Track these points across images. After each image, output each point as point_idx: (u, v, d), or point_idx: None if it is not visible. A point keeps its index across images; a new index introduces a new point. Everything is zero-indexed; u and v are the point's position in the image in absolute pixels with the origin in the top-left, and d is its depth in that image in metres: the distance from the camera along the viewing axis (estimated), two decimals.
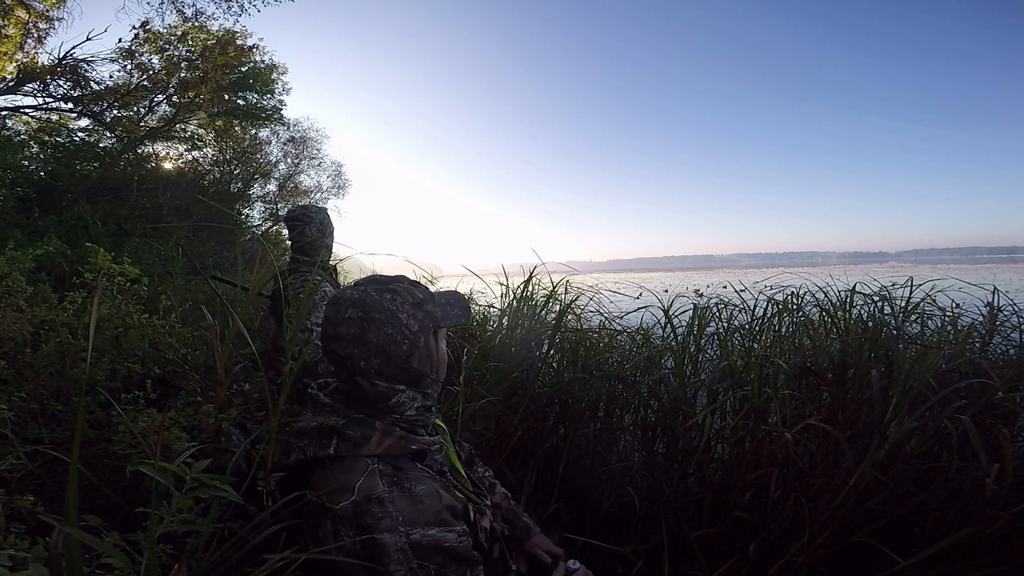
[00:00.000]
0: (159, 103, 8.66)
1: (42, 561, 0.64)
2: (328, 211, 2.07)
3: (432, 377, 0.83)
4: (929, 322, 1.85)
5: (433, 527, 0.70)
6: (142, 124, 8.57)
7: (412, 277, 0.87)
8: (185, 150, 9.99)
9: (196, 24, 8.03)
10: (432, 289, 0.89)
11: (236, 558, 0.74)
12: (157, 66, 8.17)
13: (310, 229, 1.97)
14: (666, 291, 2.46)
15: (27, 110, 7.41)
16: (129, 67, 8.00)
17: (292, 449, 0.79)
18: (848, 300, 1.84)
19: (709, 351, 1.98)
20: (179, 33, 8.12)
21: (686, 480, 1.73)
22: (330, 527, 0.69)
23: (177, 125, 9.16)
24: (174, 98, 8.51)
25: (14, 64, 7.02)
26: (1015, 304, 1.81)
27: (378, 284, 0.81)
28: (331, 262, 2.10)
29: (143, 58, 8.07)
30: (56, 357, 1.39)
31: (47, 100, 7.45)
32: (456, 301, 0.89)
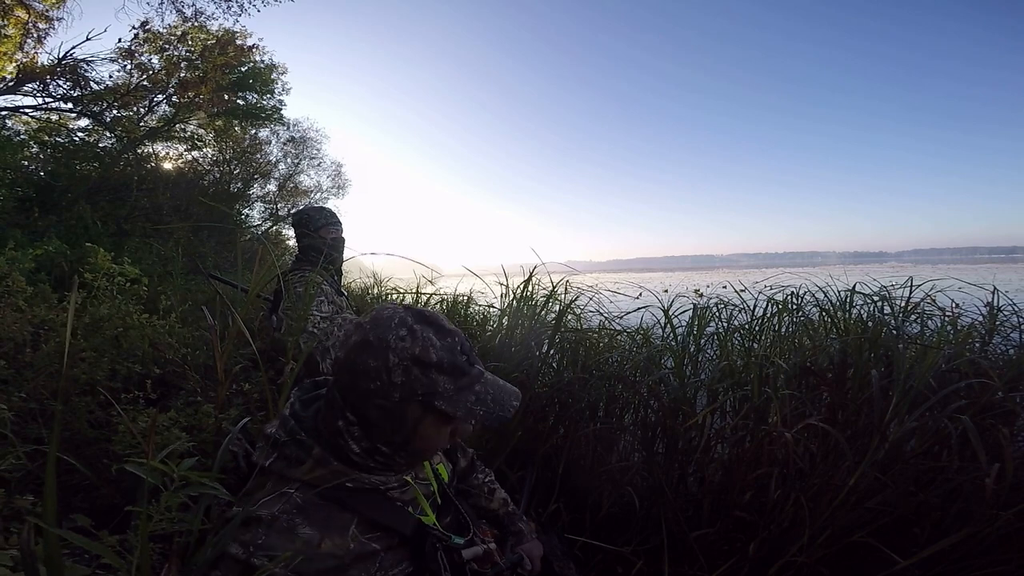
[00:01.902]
0: (159, 103, 8.66)
1: (42, 561, 0.64)
2: (334, 212, 2.06)
3: (394, 439, 0.73)
4: (929, 322, 1.85)
5: (281, 568, 0.64)
6: (142, 124, 8.57)
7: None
8: (185, 150, 10.00)
9: (196, 24, 8.04)
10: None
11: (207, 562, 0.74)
12: (157, 66, 8.17)
13: (306, 229, 1.97)
14: (666, 291, 2.46)
15: (27, 110, 7.42)
16: (129, 67, 8.00)
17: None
18: (848, 300, 1.84)
19: (709, 351, 1.98)
20: (179, 33, 8.12)
21: (686, 480, 1.73)
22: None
23: (177, 125, 9.16)
24: (174, 98, 8.51)
25: (14, 64, 7.02)
26: (1015, 304, 1.81)
27: (415, 316, 0.73)
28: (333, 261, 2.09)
29: (143, 58, 8.08)
30: (56, 357, 1.38)
31: (47, 100, 7.45)
32: (494, 401, 0.74)
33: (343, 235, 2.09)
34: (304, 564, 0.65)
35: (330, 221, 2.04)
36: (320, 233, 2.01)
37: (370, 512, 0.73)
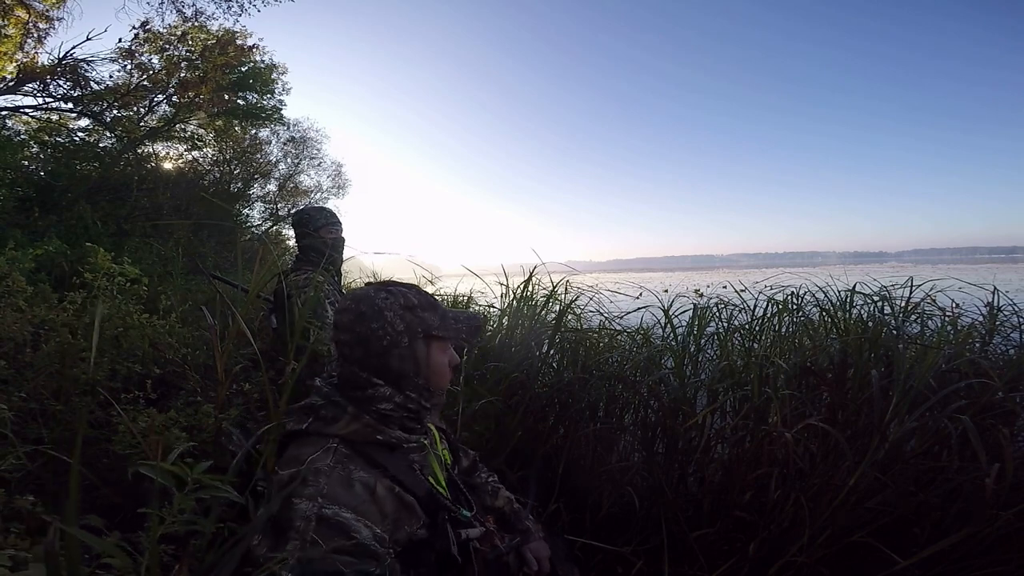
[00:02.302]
0: (159, 103, 8.64)
1: (42, 561, 0.64)
2: (335, 213, 2.06)
3: (417, 382, 0.84)
4: (929, 322, 1.85)
5: (350, 512, 0.70)
6: (142, 124, 8.57)
7: (413, 277, 0.88)
8: (185, 150, 9.98)
9: (196, 24, 8.03)
10: (431, 290, 0.90)
11: (233, 559, 0.74)
12: (157, 66, 8.16)
13: (306, 230, 1.97)
14: (666, 291, 2.46)
15: (27, 110, 7.41)
16: (129, 67, 7.99)
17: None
18: (848, 300, 1.84)
19: (709, 351, 1.98)
20: (179, 33, 8.11)
21: (686, 480, 1.73)
22: (268, 490, 0.74)
23: (177, 125, 9.15)
24: (174, 98, 8.50)
25: (14, 64, 7.02)
26: (1015, 304, 1.81)
27: (380, 284, 0.87)
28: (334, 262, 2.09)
29: (143, 58, 8.07)
30: (56, 357, 1.38)
31: (47, 100, 7.44)
32: (466, 320, 0.91)
33: (343, 235, 2.09)
34: (366, 507, 0.72)
35: (330, 221, 2.04)
36: (320, 233, 2.00)
37: (393, 469, 0.80)
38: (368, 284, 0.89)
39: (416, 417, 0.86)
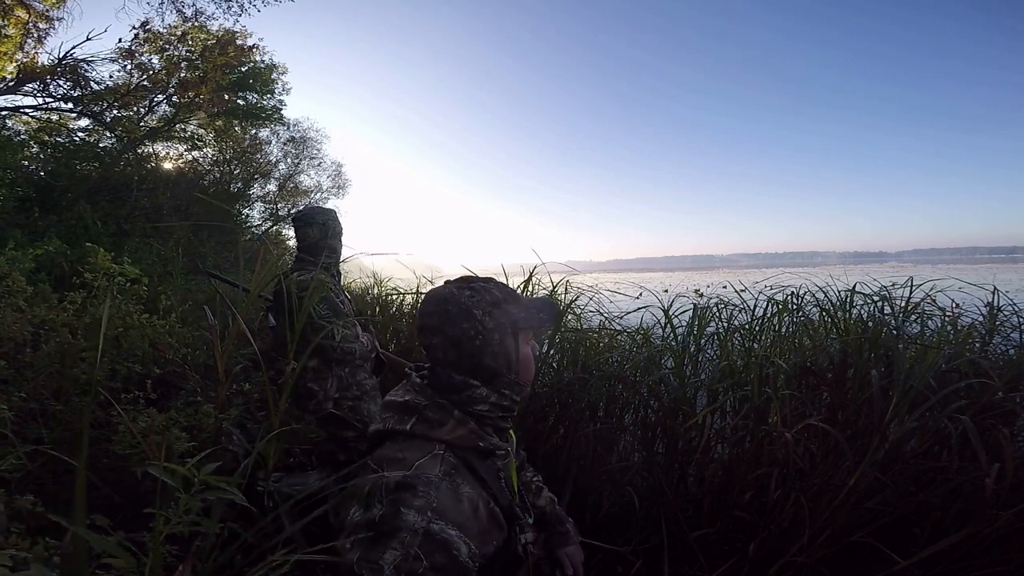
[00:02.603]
0: (159, 103, 8.65)
1: (42, 561, 0.65)
2: (335, 213, 2.07)
3: (509, 377, 0.83)
4: (929, 322, 1.85)
5: (455, 529, 0.68)
6: (142, 124, 8.57)
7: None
8: (185, 150, 9.99)
9: (196, 24, 8.04)
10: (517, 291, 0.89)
11: (239, 560, 0.74)
12: (157, 66, 8.17)
13: (312, 230, 1.97)
14: (666, 291, 2.46)
15: (27, 110, 7.41)
16: (129, 67, 8.00)
17: (377, 420, 0.82)
18: (848, 300, 1.84)
19: (709, 351, 1.98)
20: (179, 33, 8.12)
21: (686, 480, 1.73)
22: (369, 491, 0.70)
23: (177, 125, 9.15)
24: (174, 98, 8.51)
25: (14, 64, 7.02)
26: (1015, 304, 1.81)
27: (460, 282, 0.85)
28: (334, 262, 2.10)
29: (143, 58, 8.08)
30: (56, 357, 1.39)
31: (47, 100, 7.45)
32: (544, 307, 0.89)
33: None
34: (469, 523, 0.70)
35: (341, 226, 2.07)
36: (329, 241, 2.02)
37: (487, 477, 0.79)
38: (447, 283, 0.86)
39: (509, 415, 0.85)
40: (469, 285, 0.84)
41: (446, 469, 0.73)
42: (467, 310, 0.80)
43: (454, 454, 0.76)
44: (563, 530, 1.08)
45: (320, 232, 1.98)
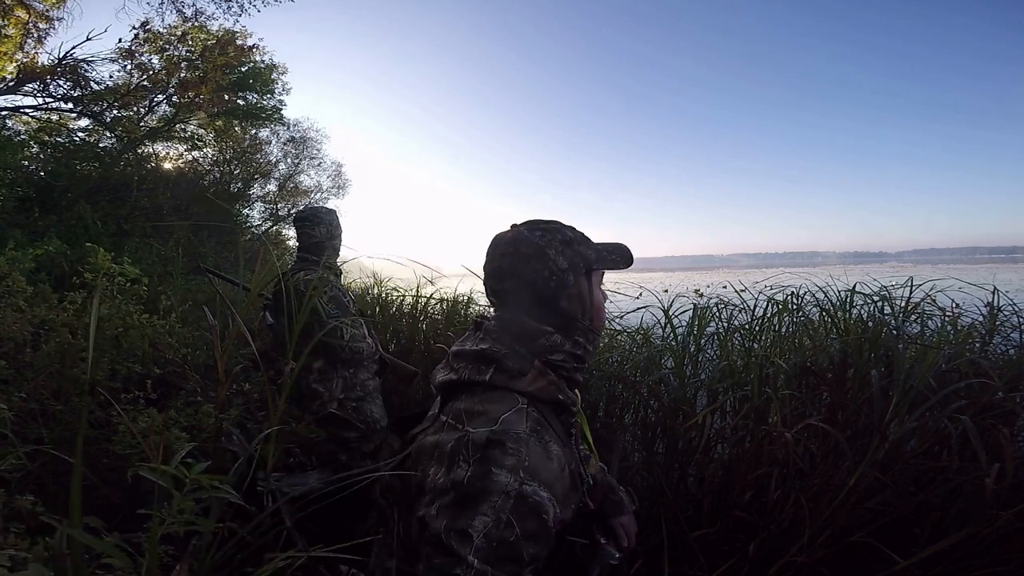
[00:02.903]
0: (159, 103, 8.65)
1: (42, 561, 0.64)
2: (337, 213, 2.09)
3: (583, 323, 0.77)
4: (929, 322, 1.85)
5: (546, 491, 0.62)
6: (142, 124, 8.57)
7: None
8: (185, 150, 9.99)
9: (196, 24, 8.03)
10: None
11: (238, 558, 0.74)
12: (157, 66, 8.17)
13: (319, 230, 1.98)
14: (666, 291, 2.46)
15: (27, 110, 7.41)
16: (129, 67, 7.99)
17: (444, 370, 0.76)
18: (848, 300, 1.84)
19: (709, 351, 1.98)
20: (179, 33, 8.12)
21: (686, 480, 1.73)
22: (450, 447, 0.64)
23: (177, 125, 9.15)
24: (174, 98, 8.51)
25: (14, 64, 7.02)
26: (1015, 304, 1.81)
27: (528, 224, 0.80)
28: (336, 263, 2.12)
29: (143, 58, 8.07)
30: (56, 357, 1.39)
31: (47, 100, 7.45)
32: (616, 249, 0.83)
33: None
34: (557, 485, 0.64)
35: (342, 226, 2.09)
36: (334, 242, 2.04)
37: (562, 433, 0.73)
38: (513, 226, 0.80)
39: (583, 366, 0.78)
40: (538, 226, 0.78)
41: (532, 425, 0.66)
42: (541, 250, 0.75)
43: (536, 408, 0.69)
44: (616, 498, 0.99)
45: (326, 232, 1.99)
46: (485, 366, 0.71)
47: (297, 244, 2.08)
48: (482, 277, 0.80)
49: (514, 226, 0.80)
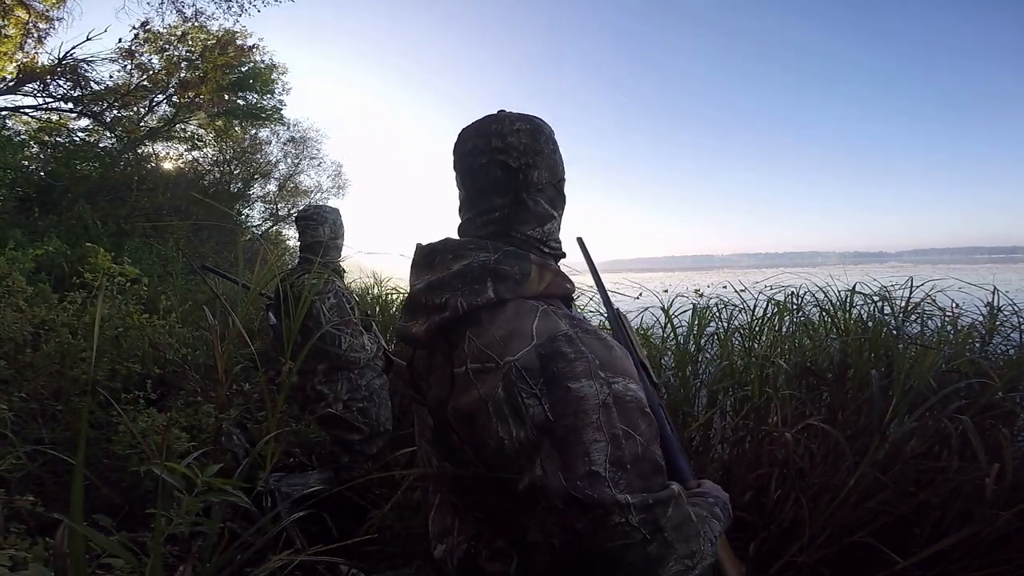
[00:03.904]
0: (159, 103, 8.66)
1: (42, 561, 0.65)
2: (340, 212, 2.08)
3: (559, 222, 0.69)
4: (929, 322, 1.85)
5: (632, 381, 0.52)
6: (142, 124, 8.58)
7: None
8: (185, 150, 10.00)
9: (196, 24, 8.04)
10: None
11: (239, 559, 0.74)
12: (157, 66, 8.17)
13: (323, 229, 1.97)
14: (666, 291, 2.46)
15: (27, 110, 7.42)
16: (129, 67, 8.01)
17: (419, 314, 0.62)
18: (848, 300, 1.84)
19: (709, 351, 1.98)
20: (179, 33, 8.12)
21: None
22: (502, 392, 0.52)
23: (177, 125, 9.16)
24: (174, 98, 8.52)
25: (14, 64, 7.03)
26: (1015, 304, 1.81)
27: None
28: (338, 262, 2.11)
29: (143, 58, 8.08)
30: (56, 357, 1.39)
31: (47, 100, 7.46)
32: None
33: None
34: (631, 369, 0.55)
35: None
36: (337, 241, 2.03)
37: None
38: (501, 111, 0.70)
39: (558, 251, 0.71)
40: (519, 115, 0.69)
41: (568, 321, 0.55)
42: (550, 134, 0.69)
43: (554, 306, 0.59)
44: None
45: (330, 231, 1.98)
46: (480, 284, 0.58)
47: (299, 244, 2.08)
48: (497, 148, 0.66)
49: (501, 111, 0.70)
